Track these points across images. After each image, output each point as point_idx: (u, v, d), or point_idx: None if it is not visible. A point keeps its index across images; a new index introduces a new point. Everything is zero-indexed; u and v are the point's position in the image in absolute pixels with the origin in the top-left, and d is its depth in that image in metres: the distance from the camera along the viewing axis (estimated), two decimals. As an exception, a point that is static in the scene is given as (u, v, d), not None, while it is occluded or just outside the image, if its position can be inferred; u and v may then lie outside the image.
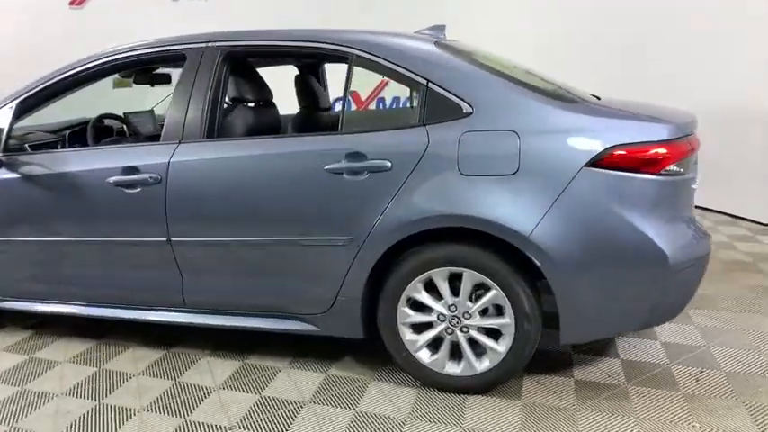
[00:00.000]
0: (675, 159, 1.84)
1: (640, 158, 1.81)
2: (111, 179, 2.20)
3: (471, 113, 1.92)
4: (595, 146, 1.82)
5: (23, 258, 2.49)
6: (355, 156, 1.96)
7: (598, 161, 1.81)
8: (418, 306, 2.06)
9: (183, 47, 2.27)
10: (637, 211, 1.82)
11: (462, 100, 1.94)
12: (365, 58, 2.06)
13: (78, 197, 2.28)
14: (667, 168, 1.83)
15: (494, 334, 2.02)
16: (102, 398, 2.16)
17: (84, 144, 2.81)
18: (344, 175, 1.97)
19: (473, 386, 2.08)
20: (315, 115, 2.81)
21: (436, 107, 1.96)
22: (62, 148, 2.74)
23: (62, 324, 2.76)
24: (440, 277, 1.99)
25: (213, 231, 2.16)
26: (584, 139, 1.84)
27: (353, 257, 2.02)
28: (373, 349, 2.27)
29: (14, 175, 2.34)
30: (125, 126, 3.06)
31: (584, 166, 1.82)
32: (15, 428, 1.99)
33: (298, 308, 2.20)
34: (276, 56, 2.34)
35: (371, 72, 2.10)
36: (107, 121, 3.03)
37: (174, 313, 2.36)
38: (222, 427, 1.96)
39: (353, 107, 6.92)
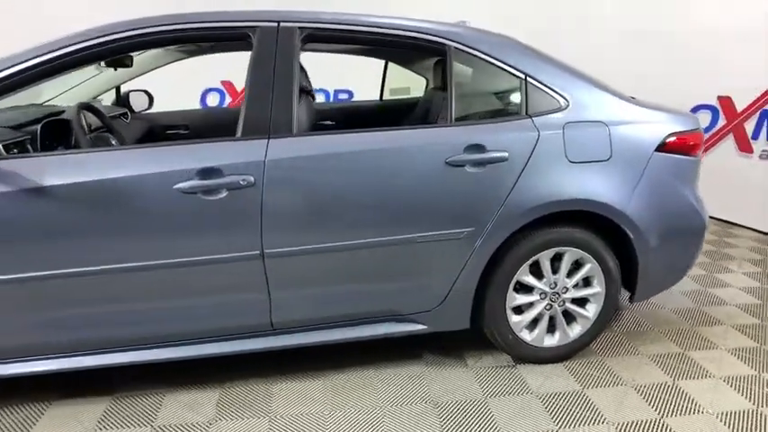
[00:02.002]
0: (702, 144, 2.33)
1: (687, 144, 2.24)
2: (182, 185, 1.75)
3: (568, 106, 2.11)
4: (659, 134, 2.19)
5: (38, 300, 1.79)
6: (476, 148, 1.98)
7: (662, 146, 2.19)
8: (520, 288, 2.18)
9: (245, 24, 1.92)
10: (686, 187, 2.26)
11: (558, 94, 2.11)
12: (463, 50, 2.07)
13: (126, 211, 1.74)
14: (699, 151, 2.31)
15: (580, 303, 2.26)
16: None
17: (59, 141, 2.11)
18: (466, 168, 1.97)
19: (567, 353, 2.30)
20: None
21: (537, 100, 2.10)
22: (33, 147, 2.00)
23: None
24: (546, 258, 2.14)
25: (319, 238, 1.90)
26: (651, 128, 2.19)
27: (473, 249, 2.03)
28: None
29: (10, 188, 1.67)
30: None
31: (654, 150, 2.17)
32: None
33: (408, 308, 2.10)
34: (362, 43, 2.12)
35: (464, 64, 2.11)
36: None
37: (255, 339, 2.00)
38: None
39: (228, 98, 6.42)
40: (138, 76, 3.03)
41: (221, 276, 1.88)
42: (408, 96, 3.61)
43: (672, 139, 2.20)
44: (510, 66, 2.09)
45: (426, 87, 3.49)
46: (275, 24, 1.92)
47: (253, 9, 1.96)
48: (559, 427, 1.90)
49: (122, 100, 3.26)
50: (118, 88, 3.23)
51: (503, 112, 2.12)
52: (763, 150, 3.95)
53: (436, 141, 1.98)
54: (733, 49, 3.98)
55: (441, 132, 2.02)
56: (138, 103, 3.32)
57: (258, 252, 1.86)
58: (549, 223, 2.11)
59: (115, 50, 1.85)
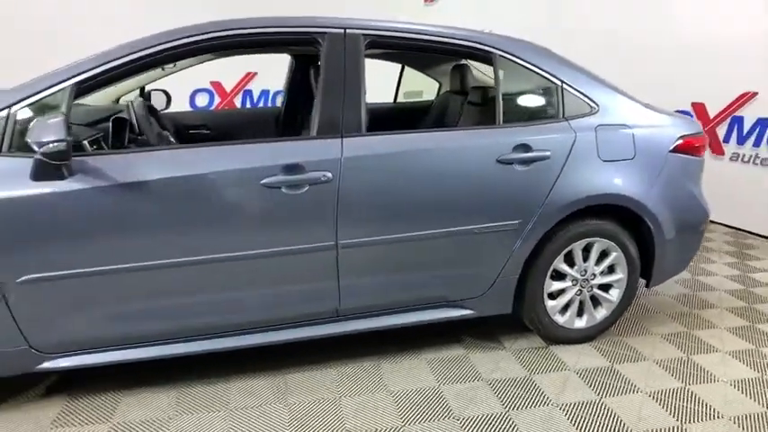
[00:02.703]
0: (705, 146, 2.63)
1: (694, 145, 2.53)
2: (268, 180, 1.86)
3: (597, 110, 2.35)
4: (672, 136, 2.46)
5: (114, 291, 1.84)
6: (523, 147, 2.18)
7: (674, 147, 2.46)
8: (555, 276, 2.40)
9: (315, 30, 2.05)
10: (693, 184, 2.54)
11: (590, 99, 2.35)
12: (507, 58, 2.27)
13: (213, 205, 1.84)
14: (704, 152, 2.61)
15: (605, 289, 2.51)
16: None
17: (123, 138, 2.16)
18: (515, 165, 2.17)
19: (593, 334, 2.54)
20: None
21: (571, 104, 2.32)
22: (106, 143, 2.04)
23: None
24: (579, 248, 2.37)
25: (386, 229, 2.05)
26: (665, 130, 2.46)
27: (520, 239, 2.23)
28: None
29: (101, 183, 1.73)
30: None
31: (669, 151, 2.45)
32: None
33: (460, 294, 2.28)
34: (416, 49, 2.27)
35: (511, 71, 2.31)
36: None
37: (323, 326, 2.12)
38: None
39: (217, 99, 6.41)
40: (165, 76, 3.07)
41: (298, 266, 1.99)
42: (421, 99, 3.79)
43: (681, 141, 2.48)
44: (548, 73, 2.31)
45: (439, 91, 3.68)
46: (342, 31, 2.06)
47: (320, 16, 2.09)
48: (601, 397, 2.12)
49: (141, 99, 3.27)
50: (142, 87, 3.25)
51: (542, 115, 2.33)
52: (734, 153, 4.38)
53: (489, 141, 2.16)
54: (706, 61, 4.39)
55: (492, 133, 2.21)
56: (158, 102, 3.35)
57: (333, 243, 1.99)
58: (581, 216, 2.33)
59: (196, 51, 1.94)
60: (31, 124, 1.61)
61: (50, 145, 1.55)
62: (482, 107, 2.83)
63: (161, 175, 1.78)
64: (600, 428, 1.94)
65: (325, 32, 2.05)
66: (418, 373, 2.26)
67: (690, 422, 1.99)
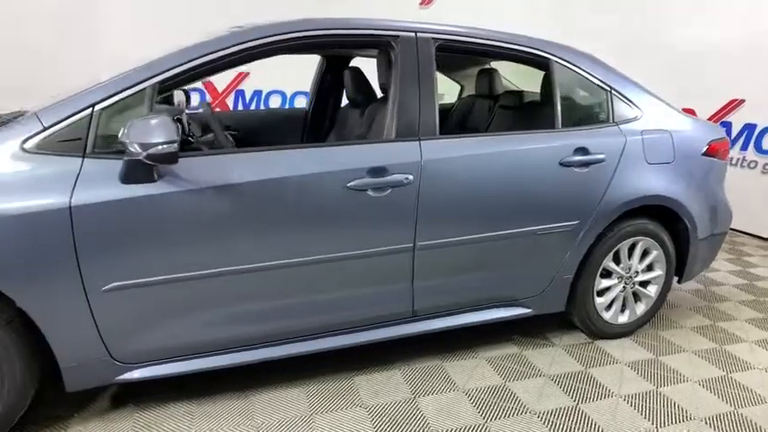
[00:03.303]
0: (729, 151, 2.82)
1: (720, 150, 2.70)
2: (354, 182, 1.87)
3: (642, 116, 2.48)
4: (703, 140, 2.62)
5: (201, 298, 1.79)
6: (581, 150, 2.28)
7: (705, 151, 2.63)
8: (603, 274, 2.51)
9: (389, 33, 2.06)
10: (720, 186, 2.72)
11: (635, 105, 2.48)
12: (562, 64, 2.36)
13: (301, 208, 1.82)
14: (727, 156, 2.79)
15: (644, 285, 2.64)
16: None
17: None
18: (574, 168, 2.26)
19: (632, 329, 2.67)
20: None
21: (620, 110, 2.44)
22: None
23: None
24: (626, 247, 2.49)
25: (459, 231, 2.09)
26: (696, 135, 2.62)
27: (578, 239, 2.32)
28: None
29: (190, 186, 1.69)
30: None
31: (701, 155, 2.61)
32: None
33: (522, 293, 2.35)
34: (479, 53, 2.31)
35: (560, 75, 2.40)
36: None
37: (398, 326, 2.14)
38: None
39: (208, 98, 6.27)
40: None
41: (378, 268, 2.01)
42: (443, 102, 3.85)
43: (710, 145, 2.64)
44: (599, 79, 2.42)
45: (460, 94, 3.75)
46: (413, 35, 2.09)
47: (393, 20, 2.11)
48: (657, 387, 2.24)
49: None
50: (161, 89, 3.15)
51: (595, 120, 2.43)
52: (722, 156, 4.67)
53: (552, 144, 2.24)
54: (695, 68, 4.66)
55: (553, 136, 2.29)
56: (179, 102, 3.26)
57: (411, 245, 2.01)
58: (628, 217, 2.45)
59: (274, 51, 1.92)
60: (128, 125, 1.55)
61: (159, 147, 1.50)
62: (515, 111, 2.92)
63: (251, 178, 1.75)
64: (665, 416, 2.05)
65: (399, 36, 2.07)
66: (482, 371, 2.31)
67: (741, 407, 2.14)
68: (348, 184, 1.86)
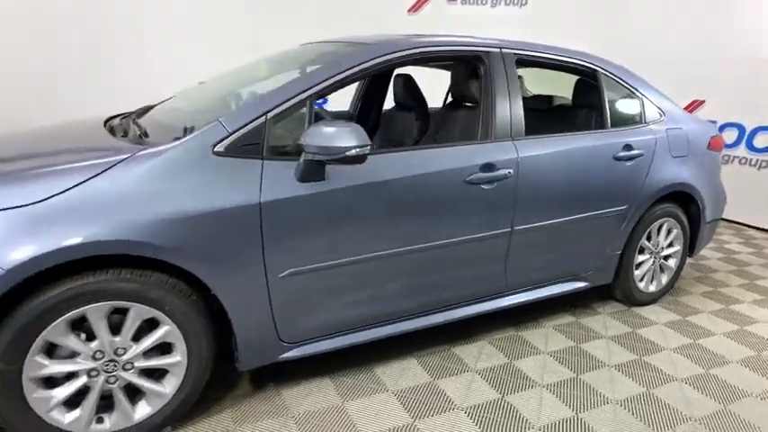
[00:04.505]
0: (723, 145, 3.39)
1: (718, 144, 3.26)
2: (471, 177, 2.19)
3: (665, 117, 2.97)
4: (706, 136, 3.17)
5: (353, 280, 2.03)
6: (628, 147, 2.72)
7: (708, 145, 3.17)
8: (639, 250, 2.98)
9: (481, 49, 2.40)
10: (718, 174, 3.28)
11: (659, 108, 2.96)
12: (607, 75, 2.80)
13: (436, 199, 2.12)
14: (722, 150, 3.36)
15: (666, 259, 3.14)
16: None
17: None
18: (624, 162, 2.70)
19: (658, 297, 3.16)
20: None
21: (649, 112, 2.91)
22: None
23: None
24: (656, 227, 2.97)
25: (542, 216, 2.46)
26: (701, 132, 3.15)
27: (626, 221, 2.77)
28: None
29: (350, 182, 1.94)
30: None
31: (706, 148, 3.15)
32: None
33: (584, 268, 2.76)
34: (543, 66, 2.67)
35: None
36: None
37: (497, 300, 2.49)
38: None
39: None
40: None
41: (482, 250, 2.34)
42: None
43: (712, 140, 3.19)
44: (633, 87, 2.88)
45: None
46: (499, 50, 2.43)
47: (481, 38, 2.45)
48: (695, 340, 2.73)
49: None
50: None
51: (632, 121, 2.88)
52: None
53: (609, 141, 2.67)
54: (663, 72, 5.33)
55: (607, 135, 2.71)
56: None
57: (509, 229, 2.36)
58: (659, 202, 2.92)
59: (401, 64, 2.21)
60: (311, 130, 1.78)
61: (353, 150, 1.75)
62: (544, 113, 3.34)
63: (395, 176, 2.03)
64: (709, 361, 2.53)
65: (489, 52, 2.41)
66: (555, 337, 2.69)
67: (763, 350, 2.66)
68: (467, 179, 2.18)
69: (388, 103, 3.51)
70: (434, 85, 3.45)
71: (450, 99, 3.03)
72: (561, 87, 3.34)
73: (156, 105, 2.66)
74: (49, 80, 5.04)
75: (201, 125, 1.82)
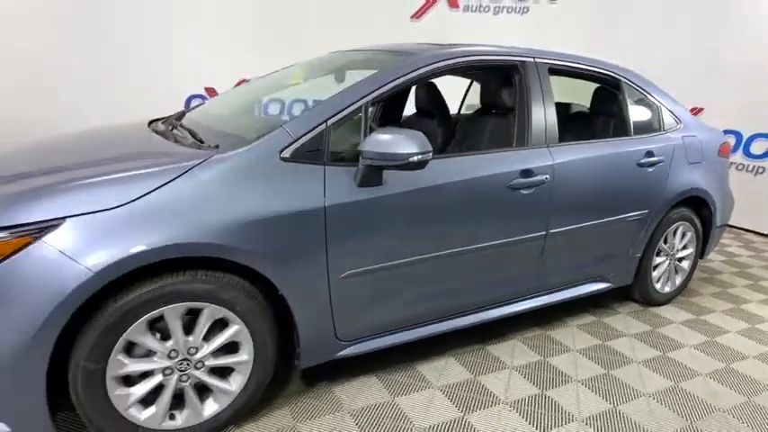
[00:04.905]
0: (730, 151, 3.55)
1: (726, 150, 3.42)
2: (513, 182, 2.29)
3: (681, 125, 3.12)
4: (716, 143, 3.33)
5: (406, 281, 2.12)
6: (650, 153, 2.86)
7: (718, 152, 3.33)
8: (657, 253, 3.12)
9: (517, 59, 2.50)
10: (726, 179, 3.44)
11: (676, 116, 3.11)
12: (629, 84, 2.94)
13: (483, 202, 2.23)
14: (729, 155, 3.52)
15: (680, 261, 3.28)
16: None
17: None
18: (647, 168, 2.83)
19: (672, 297, 3.30)
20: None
21: (667, 120, 3.06)
22: None
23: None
24: (672, 230, 3.11)
25: (574, 219, 2.57)
26: (712, 138, 3.31)
27: (647, 225, 2.90)
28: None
29: (405, 188, 2.03)
30: None
31: (717, 155, 3.31)
32: None
33: (608, 270, 2.88)
34: (571, 75, 2.78)
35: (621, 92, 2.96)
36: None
37: (529, 300, 2.59)
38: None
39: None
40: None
41: (520, 252, 2.44)
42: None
43: (721, 146, 3.35)
44: (652, 96, 3.02)
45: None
46: (533, 60, 2.55)
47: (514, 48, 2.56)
48: (711, 338, 2.87)
49: None
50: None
51: (651, 129, 3.02)
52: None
53: (633, 148, 2.80)
54: (663, 81, 5.52)
55: (630, 142, 2.84)
56: None
57: (544, 232, 2.47)
58: (674, 206, 3.07)
59: (445, 73, 2.30)
60: (372, 136, 1.86)
61: (416, 157, 1.83)
62: (565, 121, 3.46)
63: (448, 180, 2.12)
64: (728, 356, 2.67)
65: (525, 61, 2.52)
66: (580, 335, 2.81)
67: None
68: (509, 184, 2.28)
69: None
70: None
71: (478, 106, 3.13)
72: (573, 95, 3.48)
73: (189, 111, 2.73)
74: (50, 80, 5.07)
75: (253, 131, 1.90)
